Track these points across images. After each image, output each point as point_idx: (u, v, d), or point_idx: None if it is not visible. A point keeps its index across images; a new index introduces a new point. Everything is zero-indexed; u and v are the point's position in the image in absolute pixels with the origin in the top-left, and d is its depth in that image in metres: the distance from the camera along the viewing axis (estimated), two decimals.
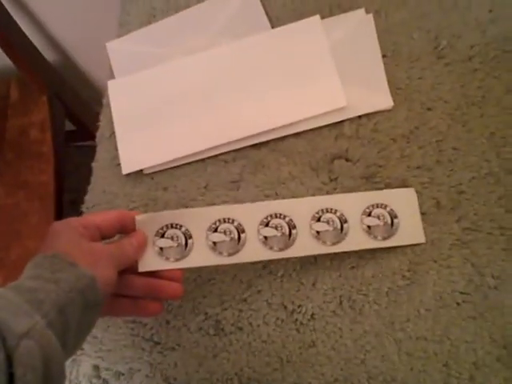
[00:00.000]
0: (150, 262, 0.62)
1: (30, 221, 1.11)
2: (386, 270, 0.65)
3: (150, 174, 0.73)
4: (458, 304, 0.62)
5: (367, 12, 0.75)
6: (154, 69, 0.76)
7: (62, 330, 0.47)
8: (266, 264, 0.67)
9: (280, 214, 0.64)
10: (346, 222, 0.64)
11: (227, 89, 0.74)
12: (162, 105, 0.75)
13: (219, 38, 0.77)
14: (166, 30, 0.80)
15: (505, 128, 0.68)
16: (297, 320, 0.64)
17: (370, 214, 0.64)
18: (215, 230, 0.63)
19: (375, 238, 0.64)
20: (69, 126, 1.43)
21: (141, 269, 0.61)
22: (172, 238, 0.62)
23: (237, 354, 0.64)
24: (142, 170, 0.73)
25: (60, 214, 1.13)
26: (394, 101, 0.71)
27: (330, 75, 0.71)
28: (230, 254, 0.62)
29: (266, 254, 0.63)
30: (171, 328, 0.66)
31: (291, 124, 0.71)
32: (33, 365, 0.41)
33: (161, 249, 0.62)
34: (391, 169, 0.68)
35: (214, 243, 0.63)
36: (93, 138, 0.78)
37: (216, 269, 0.67)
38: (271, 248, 0.63)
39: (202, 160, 0.72)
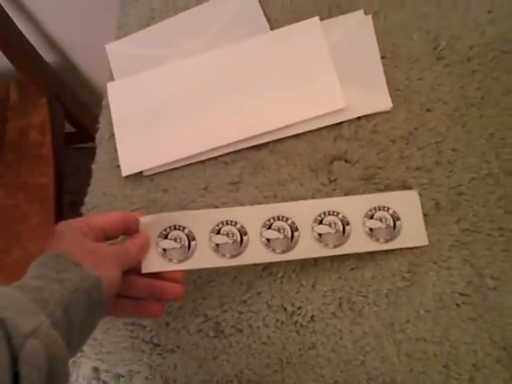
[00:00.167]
0: (154, 263, 0.62)
1: (29, 222, 1.11)
2: (386, 271, 0.65)
3: (149, 175, 0.73)
4: (457, 305, 0.62)
5: (366, 13, 0.75)
6: (153, 71, 0.76)
7: (66, 329, 0.47)
8: (266, 266, 0.67)
9: (282, 217, 0.64)
10: (348, 224, 0.64)
11: (226, 90, 0.74)
12: (162, 106, 0.75)
13: (218, 40, 0.77)
14: (165, 32, 0.80)
15: (504, 129, 0.68)
16: (297, 322, 0.64)
17: (372, 217, 0.65)
18: (218, 232, 0.63)
19: (377, 240, 0.64)
20: (68, 127, 1.43)
21: (144, 270, 0.62)
22: (175, 240, 0.63)
23: (237, 356, 0.64)
24: (141, 172, 0.73)
25: (60, 216, 1.13)
26: (393, 102, 0.71)
27: (329, 77, 0.71)
28: (232, 256, 0.63)
29: (268, 257, 0.64)
30: (171, 330, 0.66)
31: (290, 125, 0.71)
32: (38, 364, 0.42)
33: (164, 250, 0.63)
34: (390, 170, 0.68)
35: (217, 245, 0.63)
36: (92, 139, 0.78)
37: (216, 270, 0.67)
38: (274, 250, 0.63)
39: (202, 162, 0.72)
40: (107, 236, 0.59)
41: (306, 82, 0.72)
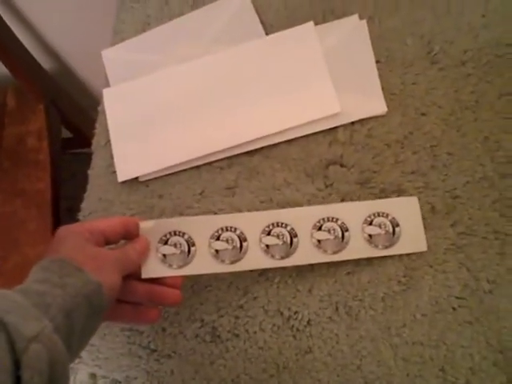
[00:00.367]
0: (153, 268, 0.63)
1: (27, 228, 1.11)
2: (382, 275, 0.65)
3: (145, 181, 0.73)
4: (453, 309, 0.63)
5: (361, 18, 0.75)
6: (148, 76, 0.77)
7: (67, 333, 0.47)
8: (262, 271, 0.67)
9: (282, 223, 0.65)
10: (347, 230, 0.64)
11: (222, 96, 0.74)
12: (157, 112, 0.75)
13: (213, 45, 0.78)
14: (160, 38, 0.80)
15: (499, 132, 0.68)
16: (293, 326, 0.64)
17: (371, 223, 0.65)
18: (218, 238, 0.64)
19: (376, 246, 0.64)
20: (66, 133, 1.44)
21: (144, 275, 0.62)
22: (175, 245, 0.63)
23: (233, 361, 0.64)
24: (137, 178, 0.73)
25: (57, 222, 1.13)
26: (388, 106, 0.71)
27: (324, 81, 0.72)
28: (232, 262, 0.63)
29: (267, 263, 0.64)
30: (168, 335, 0.66)
31: (285, 130, 0.71)
32: (40, 368, 0.42)
33: (164, 256, 0.63)
34: (386, 174, 0.68)
35: (217, 251, 0.64)
36: (90, 145, 0.78)
37: (213, 276, 0.68)
38: (273, 256, 0.64)
39: (197, 167, 0.73)
40: (108, 241, 0.59)
41: (301, 86, 0.72)
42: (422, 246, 0.65)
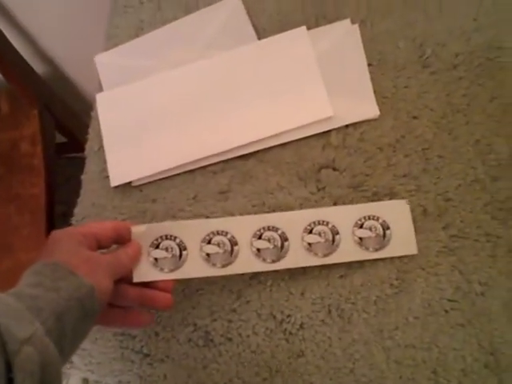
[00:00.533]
0: (145, 272, 0.63)
1: (21, 233, 1.11)
2: (374, 278, 0.65)
3: (138, 186, 0.73)
4: (446, 311, 0.63)
5: (353, 22, 0.75)
6: (141, 81, 0.77)
7: (58, 336, 0.47)
8: (254, 274, 0.67)
9: (273, 227, 0.65)
10: (337, 233, 0.65)
11: (214, 100, 0.74)
12: (150, 117, 0.75)
13: (206, 50, 0.78)
14: (153, 43, 0.80)
15: (490, 135, 0.68)
16: (286, 330, 0.64)
17: (362, 226, 0.65)
18: (209, 242, 0.64)
19: (367, 249, 0.64)
20: (60, 137, 1.43)
21: (135, 279, 0.62)
22: (167, 249, 0.64)
23: (226, 365, 0.64)
24: (130, 183, 0.73)
25: (51, 227, 1.13)
26: (381, 110, 0.71)
27: (317, 85, 0.72)
28: (223, 266, 0.64)
29: (258, 266, 0.64)
30: (160, 340, 0.66)
31: (278, 134, 0.71)
32: (32, 370, 0.42)
33: (155, 259, 0.63)
34: (378, 177, 0.68)
35: (208, 255, 0.64)
36: (84, 149, 0.78)
37: (205, 279, 0.67)
38: (264, 260, 0.64)
39: (190, 171, 0.73)
40: (100, 245, 0.59)
41: (294, 90, 0.73)
42: (412, 249, 0.65)
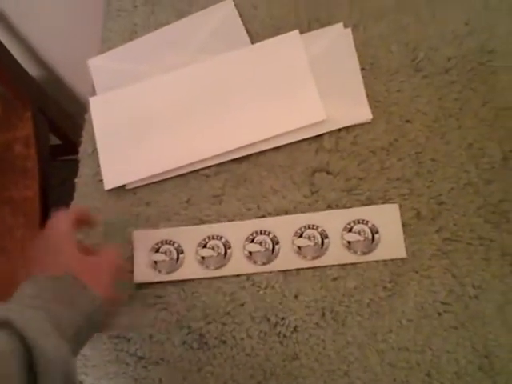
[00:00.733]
0: (144, 274, 0.68)
1: (14, 236, 1.10)
2: (368, 281, 0.65)
3: (132, 189, 0.73)
4: (439, 314, 0.63)
5: (345, 26, 0.76)
6: (135, 85, 0.77)
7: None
8: (248, 277, 0.67)
9: (265, 231, 0.68)
10: (326, 237, 0.66)
11: (208, 104, 0.74)
12: (144, 120, 0.75)
13: (200, 54, 0.78)
14: (146, 47, 0.80)
15: (482, 139, 0.69)
16: (280, 333, 0.65)
17: (351, 230, 0.66)
18: (204, 246, 0.68)
19: (355, 252, 0.65)
20: (55, 140, 1.43)
21: (136, 280, 0.68)
22: (165, 253, 0.68)
23: (221, 368, 0.65)
24: (124, 186, 0.73)
25: None
26: (373, 113, 0.71)
27: (310, 89, 0.72)
28: (216, 268, 0.67)
29: (249, 268, 0.67)
30: (155, 342, 0.66)
31: (272, 138, 0.71)
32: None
33: (155, 262, 0.68)
34: (371, 181, 0.69)
35: (203, 258, 0.67)
36: (79, 152, 0.78)
37: (199, 282, 0.68)
38: (255, 262, 0.67)
39: (184, 175, 0.73)
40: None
41: (287, 94, 0.73)
42: (401, 253, 0.65)
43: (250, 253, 0.67)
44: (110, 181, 0.73)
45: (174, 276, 0.68)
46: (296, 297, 0.66)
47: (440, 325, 0.63)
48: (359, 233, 0.66)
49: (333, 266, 0.66)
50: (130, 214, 0.72)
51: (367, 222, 0.66)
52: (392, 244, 0.66)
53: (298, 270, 0.66)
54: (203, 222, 0.70)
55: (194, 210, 0.71)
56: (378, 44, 0.75)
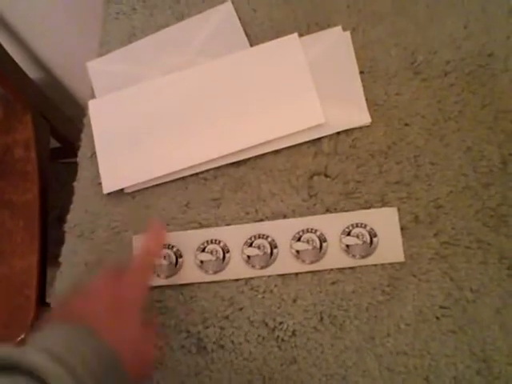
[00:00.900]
0: None
1: (14, 240, 1.11)
2: (366, 285, 0.65)
3: (131, 193, 0.73)
4: (437, 318, 0.63)
5: (344, 29, 0.75)
6: (134, 88, 0.77)
7: None
8: (247, 281, 0.67)
9: (263, 235, 0.67)
10: (325, 241, 0.66)
11: (207, 107, 0.74)
12: (143, 123, 0.75)
13: (198, 57, 0.78)
14: (145, 49, 0.80)
15: (481, 142, 0.68)
16: (278, 337, 0.65)
17: (349, 234, 0.66)
18: (203, 250, 0.68)
19: (354, 256, 0.65)
20: (54, 143, 1.43)
21: None
22: (164, 257, 0.68)
23: (219, 372, 0.65)
24: (123, 189, 0.73)
25: (45, 233, 1.13)
26: (372, 117, 0.71)
27: (309, 92, 0.72)
28: (214, 272, 0.67)
29: (247, 272, 0.67)
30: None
31: (270, 141, 0.71)
32: None
33: None
34: (370, 184, 0.69)
35: (202, 262, 0.68)
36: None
37: (198, 286, 0.68)
38: (253, 266, 0.67)
39: (183, 178, 0.73)
40: None
41: (286, 97, 0.73)
42: (399, 257, 0.65)
43: (249, 257, 0.67)
44: (109, 184, 0.73)
45: (173, 280, 0.68)
46: (294, 301, 0.66)
47: (438, 329, 0.62)
48: (358, 236, 0.66)
49: (331, 269, 0.66)
50: (129, 217, 0.72)
51: (365, 225, 0.66)
52: (390, 248, 0.66)
53: (296, 274, 0.66)
54: (202, 226, 0.70)
55: (193, 214, 0.71)
56: (376, 47, 0.75)
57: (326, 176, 0.70)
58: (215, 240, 0.68)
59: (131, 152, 0.74)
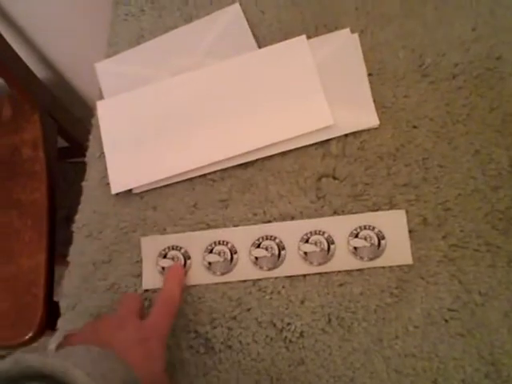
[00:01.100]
0: (153, 280, 0.69)
1: (22, 239, 1.11)
2: (374, 287, 0.65)
3: (139, 193, 0.74)
4: (445, 321, 0.63)
5: (353, 31, 0.76)
6: (142, 89, 0.77)
7: None
8: (255, 282, 0.67)
9: (271, 236, 0.68)
10: (333, 243, 0.66)
11: (215, 108, 0.74)
12: (151, 125, 0.75)
13: (207, 58, 0.78)
14: (154, 51, 0.81)
15: (489, 145, 0.68)
16: (286, 338, 0.65)
17: (357, 236, 0.66)
18: (211, 252, 0.68)
19: (361, 258, 0.65)
20: (62, 142, 1.44)
21: (144, 286, 0.68)
22: (173, 259, 0.68)
23: (227, 373, 0.65)
24: (131, 190, 0.74)
25: (53, 232, 1.13)
26: (380, 119, 0.71)
27: (317, 94, 0.72)
28: (222, 274, 0.67)
29: (255, 274, 0.67)
30: None
31: (278, 143, 0.71)
32: None
33: (163, 268, 0.68)
34: (378, 187, 0.69)
35: (209, 263, 0.68)
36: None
37: (206, 287, 0.68)
38: (261, 268, 0.67)
39: (191, 179, 0.73)
40: None
41: (294, 99, 0.73)
42: (407, 259, 0.65)
43: (256, 258, 0.67)
44: (117, 185, 0.74)
45: None
46: (302, 302, 0.66)
47: (447, 331, 0.62)
48: (365, 239, 0.66)
49: (339, 271, 0.66)
50: (137, 218, 0.72)
51: (373, 227, 0.66)
52: (398, 250, 0.66)
53: (304, 275, 0.66)
54: (209, 227, 0.70)
55: (201, 215, 0.71)
56: (385, 49, 0.75)
57: (334, 178, 0.70)
58: (223, 241, 0.68)
59: (139, 153, 0.74)
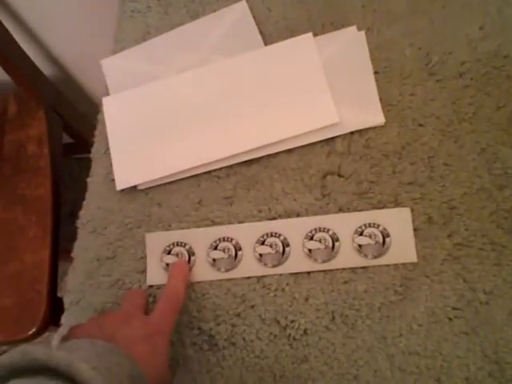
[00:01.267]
0: (157, 277, 0.69)
1: (26, 235, 1.11)
2: (379, 285, 0.65)
3: (144, 189, 0.74)
4: (450, 319, 0.63)
5: (359, 29, 0.75)
6: (147, 85, 0.77)
7: None
8: (259, 279, 0.67)
9: (275, 233, 0.67)
10: (337, 240, 0.66)
11: (220, 105, 0.74)
12: (156, 121, 0.75)
13: (213, 55, 0.78)
14: (160, 47, 0.81)
15: (496, 144, 0.68)
16: (290, 335, 0.65)
17: (362, 233, 0.66)
18: (215, 248, 0.68)
19: (366, 256, 0.65)
20: (67, 138, 1.44)
21: (149, 282, 0.68)
22: (177, 255, 0.68)
23: (230, 370, 0.65)
24: (136, 186, 0.74)
25: (57, 228, 1.14)
26: (386, 117, 0.71)
27: (323, 92, 0.72)
28: (226, 270, 0.67)
29: (259, 270, 0.67)
30: None
31: (284, 140, 0.71)
32: None
33: (167, 264, 0.68)
34: (383, 185, 0.68)
35: (214, 260, 0.68)
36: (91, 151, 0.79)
37: (210, 283, 0.68)
38: (265, 264, 0.67)
39: (196, 176, 0.73)
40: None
41: (300, 96, 0.73)
42: (411, 257, 0.65)
43: (261, 255, 0.67)
44: (122, 181, 0.74)
45: None
46: (306, 299, 0.66)
47: (451, 330, 0.62)
48: (370, 236, 0.66)
49: (343, 269, 0.66)
50: (142, 214, 0.73)
51: (378, 225, 0.66)
52: (403, 248, 0.65)
53: (308, 272, 0.66)
54: (214, 224, 0.70)
55: (206, 211, 0.71)
56: (391, 47, 0.75)
57: (340, 176, 0.70)
58: (227, 238, 0.68)
59: (144, 149, 0.74)
